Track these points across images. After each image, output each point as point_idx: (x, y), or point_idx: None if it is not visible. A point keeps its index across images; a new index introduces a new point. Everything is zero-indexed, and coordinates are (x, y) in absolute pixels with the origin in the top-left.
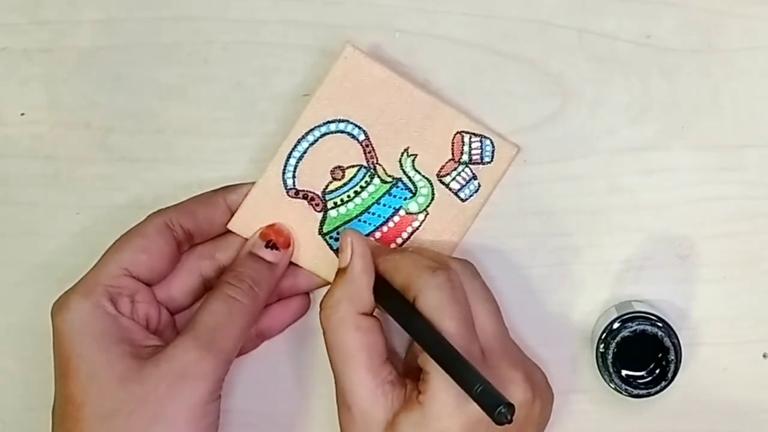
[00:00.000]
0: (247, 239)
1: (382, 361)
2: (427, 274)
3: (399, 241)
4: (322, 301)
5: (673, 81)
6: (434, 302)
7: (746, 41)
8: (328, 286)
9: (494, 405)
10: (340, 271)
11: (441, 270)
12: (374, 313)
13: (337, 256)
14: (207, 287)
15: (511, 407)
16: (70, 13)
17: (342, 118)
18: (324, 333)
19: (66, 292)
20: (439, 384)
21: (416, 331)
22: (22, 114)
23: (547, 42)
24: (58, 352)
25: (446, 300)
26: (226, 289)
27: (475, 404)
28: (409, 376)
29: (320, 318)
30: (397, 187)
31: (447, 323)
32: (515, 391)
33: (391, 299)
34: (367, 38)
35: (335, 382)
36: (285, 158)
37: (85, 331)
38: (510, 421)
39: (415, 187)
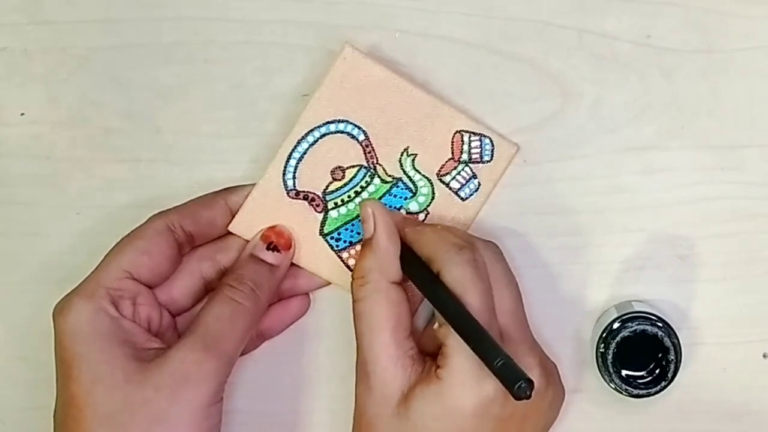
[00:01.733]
0: (248, 241)
1: (407, 335)
2: (453, 250)
3: None
4: (353, 272)
5: (673, 81)
6: (457, 278)
7: (746, 41)
8: (329, 287)
9: (514, 380)
10: (366, 242)
11: (467, 248)
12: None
13: (338, 257)
14: (208, 289)
15: (530, 383)
16: (70, 13)
17: (342, 118)
18: (354, 302)
19: (67, 294)
20: (459, 359)
21: (440, 302)
22: (22, 114)
23: (547, 42)
24: (60, 354)
25: (469, 278)
26: (228, 292)
27: (491, 382)
28: (428, 354)
29: (352, 287)
30: (398, 186)
31: (469, 300)
32: (530, 375)
33: (416, 269)
34: (367, 38)
35: (357, 352)
36: (285, 159)
37: (87, 333)
38: (529, 397)
39: (416, 187)
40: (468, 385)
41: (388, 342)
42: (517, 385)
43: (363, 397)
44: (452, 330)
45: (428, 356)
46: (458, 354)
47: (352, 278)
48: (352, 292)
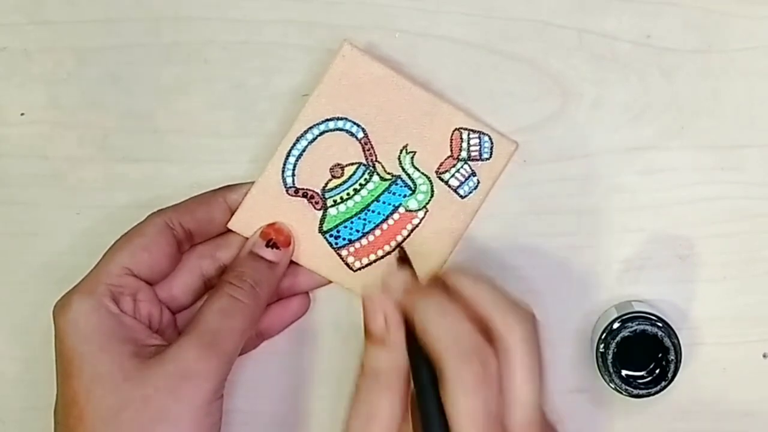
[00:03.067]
0: (247, 238)
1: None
2: (461, 358)
3: (399, 238)
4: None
5: (673, 81)
6: (455, 393)
7: (746, 41)
8: (329, 286)
9: None
10: (375, 339)
11: (475, 356)
12: None
13: (337, 254)
14: (207, 286)
15: None
16: (70, 13)
17: (341, 115)
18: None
19: (68, 291)
20: None
21: (427, 419)
22: (22, 114)
23: (547, 42)
24: (61, 352)
25: (470, 394)
26: (228, 290)
27: None
28: None
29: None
30: (397, 184)
31: (458, 416)
32: None
33: (418, 363)
34: (367, 38)
35: None
36: (284, 157)
37: (88, 330)
38: None
39: (415, 185)
40: None
41: None
42: None
43: None
44: None
45: None
46: None
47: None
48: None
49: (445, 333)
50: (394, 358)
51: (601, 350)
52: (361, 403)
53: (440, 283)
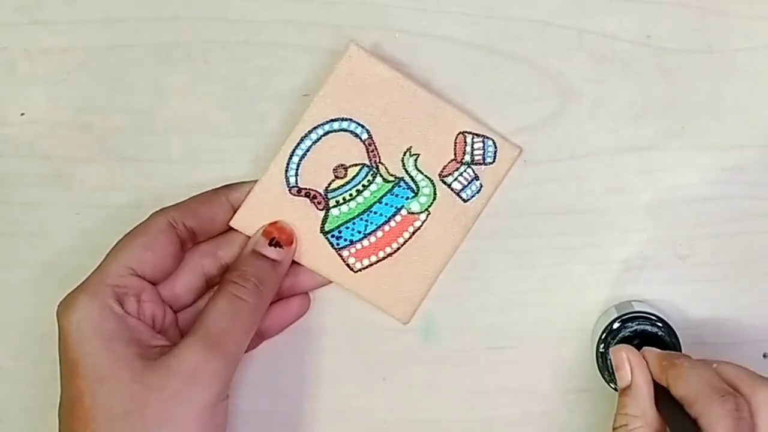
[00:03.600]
0: (249, 237)
1: None
2: (715, 397)
3: (401, 240)
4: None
5: (673, 81)
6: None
7: (746, 41)
8: (329, 286)
9: None
10: (624, 390)
11: (730, 396)
12: None
13: (339, 255)
14: (209, 285)
15: None
16: (70, 13)
17: (345, 116)
18: None
19: (72, 292)
20: None
21: None
22: (22, 114)
23: (547, 42)
24: (65, 353)
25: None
26: (232, 289)
27: None
28: None
29: None
30: (399, 186)
31: None
32: None
33: (672, 412)
34: (367, 38)
35: None
36: (288, 156)
37: (92, 331)
38: None
39: (417, 187)
40: None
41: None
42: None
43: None
44: None
45: None
46: None
47: (613, 429)
48: None
49: (698, 378)
50: (640, 405)
51: (601, 350)
52: None
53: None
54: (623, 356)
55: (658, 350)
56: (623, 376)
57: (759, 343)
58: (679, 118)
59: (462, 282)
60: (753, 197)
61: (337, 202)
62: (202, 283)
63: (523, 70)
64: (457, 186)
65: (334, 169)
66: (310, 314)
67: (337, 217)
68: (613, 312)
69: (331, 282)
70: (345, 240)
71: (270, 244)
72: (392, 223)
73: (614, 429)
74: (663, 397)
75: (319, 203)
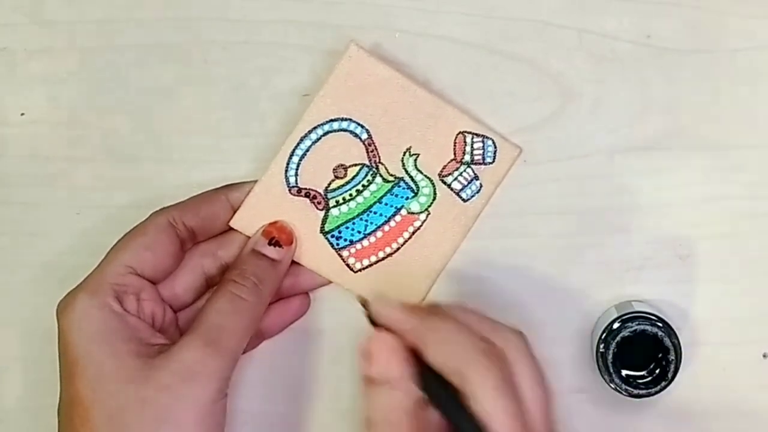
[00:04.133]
0: (249, 237)
1: None
2: (481, 364)
3: (400, 240)
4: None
5: (673, 81)
6: (485, 403)
7: (746, 41)
8: (329, 286)
9: None
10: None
11: (494, 356)
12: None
13: (338, 255)
14: (209, 284)
15: None
16: (71, 13)
17: (345, 116)
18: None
19: (71, 291)
20: None
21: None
22: (22, 114)
23: (547, 42)
24: (65, 352)
25: (499, 397)
26: (231, 288)
27: None
28: None
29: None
30: (399, 186)
31: (497, 424)
32: None
33: (436, 387)
34: (367, 38)
35: None
36: (288, 156)
37: (92, 330)
38: None
39: (417, 187)
40: None
41: None
42: None
43: None
44: None
45: None
46: None
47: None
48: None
49: (461, 347)
50: (399, 396)
51: (601, 350)
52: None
53: (430, 313)
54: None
55: (406, 307)
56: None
57: (759, 343)
58: (679, 118)
59: (462, 282)
60: (753, 197)
61: (337, 202)
62: (202, 283)
63: (523, 70)
64: (456, 186)
65: (334, 169)
66: (310, 314)
67: (337, 217)
68: (613, 312)
69: (331, 282)
70: (345, 240)
71: (270, 244)
72: (392, 223)
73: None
74: (424, 375)
75: (319, 203)
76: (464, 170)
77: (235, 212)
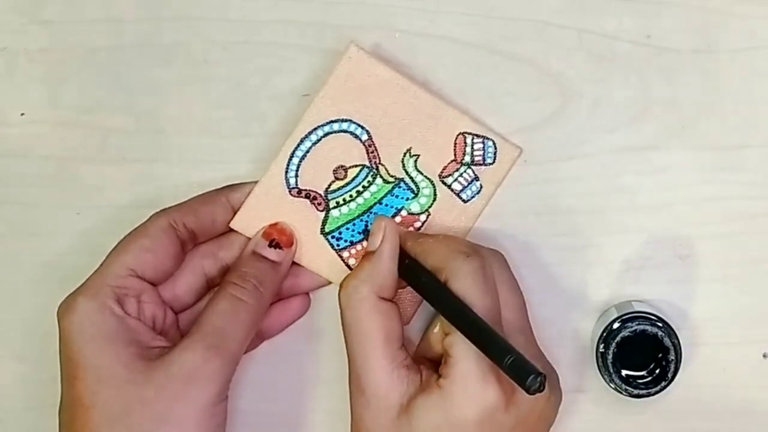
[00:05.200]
0: (249, 238)
1: (399, 346)
2: (460, 258)
3: None
4: (343, 281)
5: (673, 81)
6: (465, 286)
7: (746, 41)
8: (330, 286)
9: (526, 374)
10: (368, 254)
11: (474, 256)
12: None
13: (339, 256)
14: (210, 286)
15: (542, 376)
16: (71, 13)
17: (345, 117)
18: (342, 312)
19: (72, 293)
20: (464, 367)
21: (448, 309)
22: (22, 114)
23: (547, 42)
24: (66, 354)
25: (478, 285)
26: (231, 290)
27: (495, 390)
28: (423, 364)
29: (339, 296)
30: (400, 187)
31: (477, 307)
32: None
33: (422, 279)
34: (367, 38)
35: (349, 366)
36: (288, 157)
37: (92, 333)
38: (541, 390)
39: (417, 188)
40: (472, 393)
41: (381, 354)
42: (529, 379)
43: (360, 412)
44: (458, 339)
45: (423, 366)
46: (463, 362)
47: (341, 285)
48: (339, 300)
49: (447, 249)
50: (376, 271)
51: (601, 350)
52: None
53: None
54: (381, 225)
55: (405, 229)
56: (373, 242)
57: (759, 343)
58: (679, 118)
59: None
60: (753, 197)
61: (338, 203)
62: (203, 284)
63: (523, 70)
64: (457, 187)
65: (334, 170)
66: (310, 314)
67: (337, 218)
68: (613, 312)
69: (331, 283)
70: (345, 241)
71: (270, 246)
72: None
73: (342, 285)
74: (412, 267)
75: (319, 204)
76: (464, 171)
77: (235, 213)
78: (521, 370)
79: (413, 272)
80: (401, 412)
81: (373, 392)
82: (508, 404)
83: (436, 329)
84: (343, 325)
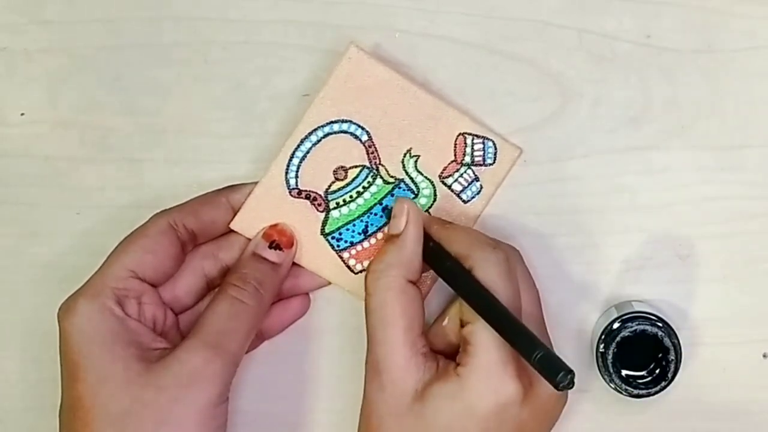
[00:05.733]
0: (250, 239)
1: (420, 333)
2: (488, 249)
3: None
4: (370, 264)
5: (673, 81)
6: (492, 276)
7: (746, 41)
8: (330, 287)
9: (555, 371)
10: (392, 237)
11: (499, 248)
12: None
13: (339, 257)
14: (210, 287)
15: (572, 373)
16: (70, 13)
17: (345, 118)
18: (367, 296)
19: (72, 294)
20: (485, 358)
21: (474, 297)
22: (22, 114)
23: (547, 42)
24: (66, 355)
25: (503, 277)
26: (232, 291)
27: (514, 383)
28: (438, 353)
29: (366, 281)
30: (400, 188)
31: (502, 297)
32: None
33: (447, 265)
34: (367, 38)
35: (368, 348)
36: (288, 158)
37: (93, 334)
38: (571, 387)
39: (418, 188)
40: (490, 384)
41: (402, 340)
42: (559, 376)
43: (374, 395)
44: (480, 328)
45: (438, 354)
46: (485, 352)
47: (368, 270)
48: (366, 285)
49: (472, 237)
50: (402, 254)
51: (601, 350)
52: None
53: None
54: (404, 207)
55: (427, 214)
56: (397, 225)
57: (759, 343)
58: (679, 118)
59: None
60: (753, 197)
61: (338, 203)
62: (203, 285)
63: (523, 70)
64: (457, 187)
65: (334, 171)
66: (310, 315)
67: (337, 218)
68: (613, 312)
69: (331, 283)
70: (345, 242)
71: (270, 247)
72: None
73: (369, 270)
74: (436, 252)
75: (319, 205)
76: (465, 171)
77: (235, 214)
78: (552, 365)
79: (437, 256)
80: (416, 398)
81: (389, 376)
82: (524, 399)
83: (446, 321)
84: (366, 308)
